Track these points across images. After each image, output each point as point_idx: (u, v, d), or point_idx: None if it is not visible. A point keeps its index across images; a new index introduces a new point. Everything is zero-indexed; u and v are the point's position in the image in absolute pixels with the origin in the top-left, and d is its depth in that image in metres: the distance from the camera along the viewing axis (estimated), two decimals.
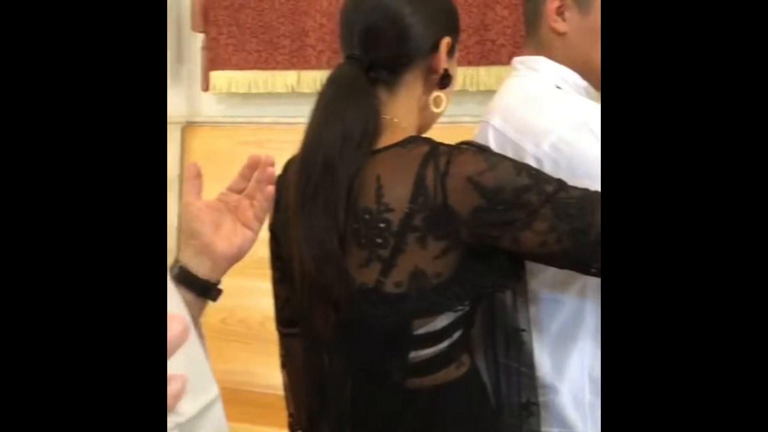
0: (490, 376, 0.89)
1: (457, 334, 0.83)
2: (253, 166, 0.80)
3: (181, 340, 0.30)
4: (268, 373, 1.87)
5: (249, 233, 0.78)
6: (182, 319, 0.30)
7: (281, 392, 1.03)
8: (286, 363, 0.99)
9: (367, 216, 0.80)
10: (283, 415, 1.03)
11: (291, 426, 1.00)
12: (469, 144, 0.82)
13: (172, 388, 0.31)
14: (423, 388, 0.83)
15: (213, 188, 0.80)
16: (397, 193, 0.79)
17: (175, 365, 0.31)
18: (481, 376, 0.89)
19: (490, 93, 1.25)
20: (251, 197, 0.80)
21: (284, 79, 2.01)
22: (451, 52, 0.88)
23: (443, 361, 0.83)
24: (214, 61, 2.06)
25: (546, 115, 0.88)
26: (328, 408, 0.89)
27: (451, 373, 0.84)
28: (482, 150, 0.82)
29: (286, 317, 0.96)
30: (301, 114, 2.21)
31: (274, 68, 2.01)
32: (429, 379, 0.83)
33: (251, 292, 1.54)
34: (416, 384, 0.83)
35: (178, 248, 2.05)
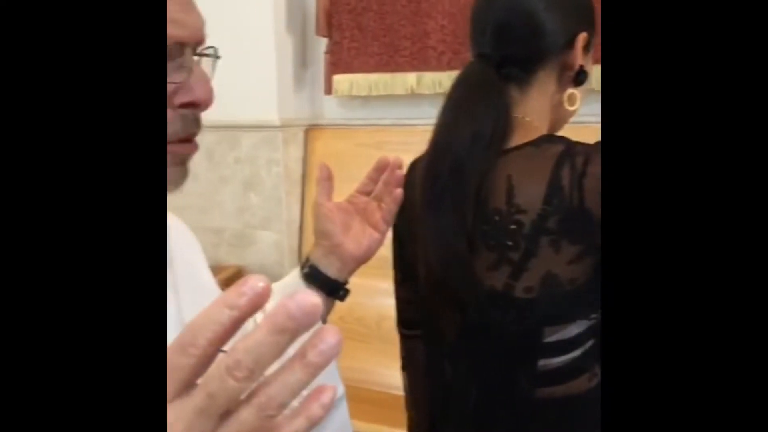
0: None
1: (590, 344, 0.79)
2: (382, 168, 0.81)
3: (336, 351, 0.30)
4: (385, 372, 1.88)
5: (377, 235, 0.79)
6: (337, 330, 0.30)
7: (397, 392, 1.03)
8: (407, 365, 0.98)
9: (497, 217, 0.78)
10: (398, 415, 1.02)
11: (410, 428, 1.00)
12: None
13: (324, 399, 0.31)
14: (552, 399, 0.80)
15: (334, 187, 0.81)
16: (530, 193, 0.77)
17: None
18: None
19: None
20: (379, 199, 0.80)
21: (404, 81, 2.02)
22: (587, 47, 0.84)
23: (575, 371, 0.80)
24: (336, 64, 2.11)
25: None
26: (450, 414, 0.88)
27: (582, 384, 0.80)
28: None
29: (408, 319, 0.95)
30: (420, 116, 2.23)
31: (394, 71, 2.03)
32: (560, 389, 0.80)
33: (369, 291, 1.56)
34: (545, 394, 0.80)
35: (299, 248, 2.12)
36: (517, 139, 0.81)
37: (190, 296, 0.62)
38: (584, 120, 1.44)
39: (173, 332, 0.31)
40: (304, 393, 0.31)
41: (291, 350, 0.30)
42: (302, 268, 0.79)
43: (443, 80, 1.95)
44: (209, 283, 0.74)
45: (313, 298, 0.29)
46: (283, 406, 0.30)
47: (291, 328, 0.29)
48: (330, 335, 0.29)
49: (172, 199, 0.70)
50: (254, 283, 0.29)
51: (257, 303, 0.29)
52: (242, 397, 0.30)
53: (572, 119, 0.91)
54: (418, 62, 1.99)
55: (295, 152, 2.19)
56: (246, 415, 0.30)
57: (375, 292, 1.60)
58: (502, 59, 0.83)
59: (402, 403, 1.01)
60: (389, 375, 1.88)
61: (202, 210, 2.20)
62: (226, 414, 0.31)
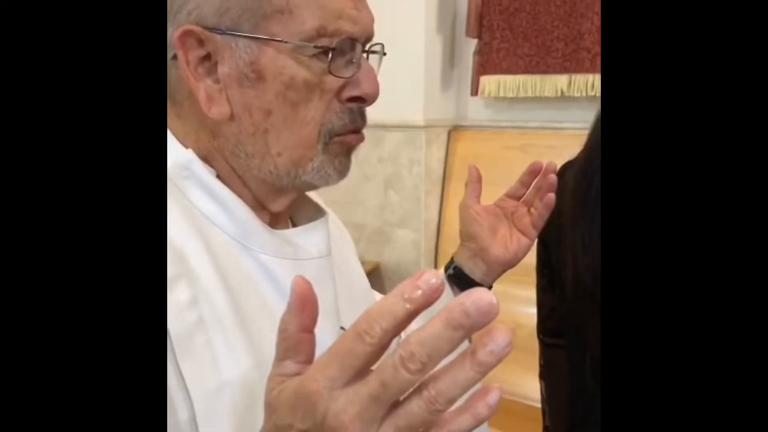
0: None
1: None
2: (534, 172, 0.79)
3: (507, 352, 0.30)
4: (519, 382, 1.84)
5: (525, 240, 0.77)
6: (508, 331, 0.30)
7: (530, 402, 1.00)
8: (546, 374, 0.95)
9: None
10: (529, 425, 1.00)
11: None
12: None
13: (491, 399, 0.31)
14: None
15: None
16: None
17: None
18: None
19: None
20: (529, 204, 0.79)
21: (555, 82, 1.97)
22: None
23: None
24: (485, 65, 2.09)
25: None
26: (591, 427, 0.84)
27: None
28: None
29: (552, 327, 0.92)
30: (568, 119, 2.16)
31: (544, 72, 1.98)
32: None
33: (506, 298, 1.53)
34: None
35: (436, 248, 2.13)
36: None
37: (344, 285, 0.64)
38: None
39: (330, 320, 0.32)
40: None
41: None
42: (446, 269, 0.79)
43: (596, 82, 1.88)
44: (360, 274, 0.76)
45: (490, 297, 0.29)
46: (451, 401, 0.31)
47: (466, 325, 0.29)
48: (501, 336, 0.30)
49: (321, 194, 0.73)
50: (429, 278, 0.30)
51: (431, 298, 0.30)
52: (412, 389, 0.31)
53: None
54: (570, 64, 1.93)
55: (437, 152, 2.19)
56: (415, 406, 0.31)
57: (511, 299, 1.57)
58: None
59: (534, 413, 0.99)
60: (523, 385, 1.84)
61: (345, 206, 2.27)
62: (395, 404, 0.31)
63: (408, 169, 2.17)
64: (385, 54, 0.62)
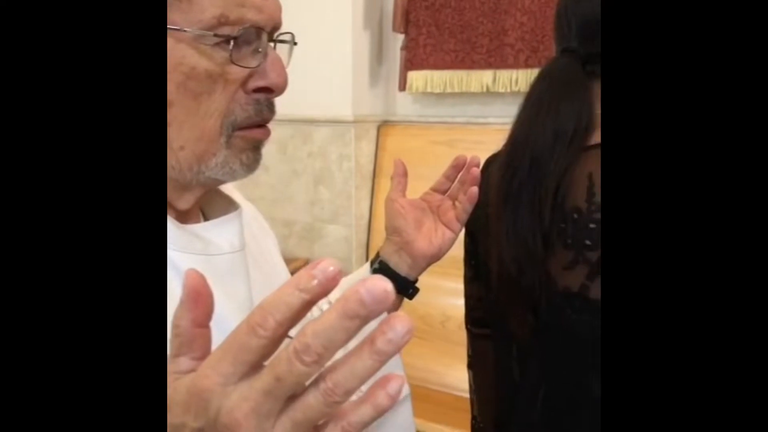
0: None
1: None
2: (458, 167, 0.80)
3: (406, 340, 0.29)
4: (446, 372, 1.87)
5: (449, 233, 0.78)
6: (408, 319, 0.29)
7: (456, 392, 1.01)
8: (474, 364, 0.97)
9: (575, 215, 0.76)
10: (458, 415, 1.01)
11: (474, 429, 0.98)
12: None
13: (391, 388, 0.30)
14: None
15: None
16: None
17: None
18: None
19: None
20: (454, 198, 0.80)
21: (480, 78, 2.00)
22: None
23: None
24: (412, 61, 2.10)
25: None
26: (516, 416, 0.86)
27: None
28: None
29: (478, 317, 0.94)
30: (495, 114, 2.20)
31: (470, 68, 2.01)
32: None
33: (435, 290, 1.55)
34: None
35: (367, 243, 2.13)
36: (599, 137, 0.79)
37: (262, 280, 0.63)
38: None
39: (244, 315, 0.31)
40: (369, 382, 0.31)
41: (352, 343, 0.30)
42: (372, 263, 0.79)
43: (520, 78, 1.92)
44: (282, 269, 0.74)
45: (385, 284, 0.28)
46: (349, 392, 0.30)
47: (362, 314, 0.28)
48: (400, 323, 0.29)
49: (245, 190, 0.71)
50: (325, 266, 0.29)
51: (328, 287, 0.29)
52: (309, 381, 0.30)
53: None
54: (495, 60, 1.96)
55: (367, 148, 2.20)
56: (312, 399, 0.30)
57: (441, 291, 1.59)
58: (587, 55, 0.80)
59: (465, 404, 1.00)
60: (452, 375, 1.86)
61: (274, 202, 2.24)
62: (292, 397, 0.30)
63: (338, 164, 2.16)
64: (295, 44, 0.61)
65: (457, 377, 1.02)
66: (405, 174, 0.80)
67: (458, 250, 0.92)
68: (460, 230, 0.80)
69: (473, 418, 0.98)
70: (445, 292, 1.59)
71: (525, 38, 1.91)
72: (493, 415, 0.93)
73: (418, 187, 0.83)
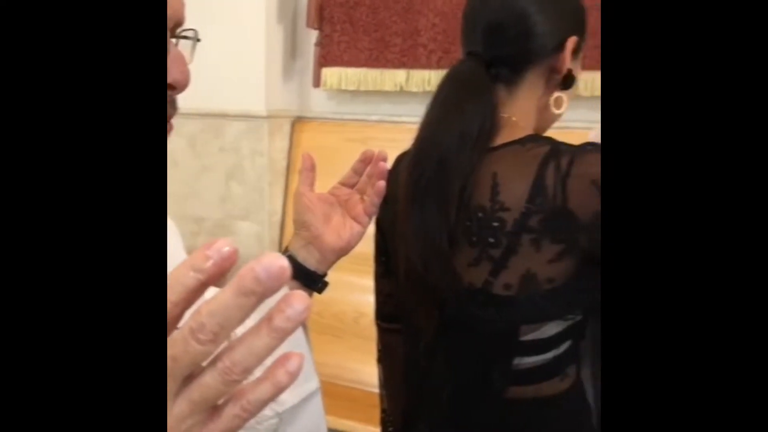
0: (595, 393, 0.85)
1: (565, 345, 0.80)
2: (366, 161, 0.81)
3: (304, 317, 0.29)
4: (362, 369, 1.88)
5: (358, 227, 0.79)
6: (306, 297, 0.29)
7: (369, 388, 1.03)
8: (383, 359, 0.98)
9: (480, 214, 0.78)
10: (370, 412, 1.02)
11: (384, 423, 1.00)
12: (594, 145, 0.78)
13: (290, 366, 0.30)
14: (523, 399, 0.80)
15: (317, 182, 0.81)
16: (514, 192, 0.77)
17: (281, 353, 0.31)
18: (585, 393, 0.85)
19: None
20: (362, 192, 0.80)
21: (394, 77, 2.02)
22: (576, 52, 0.85)
23: (548, 372, 0.80)
24: (326, 57, 2.10)
25: None
26: (424, 409, 0.88)
27: (554, 386, 0.81)
28: None
29: (387, 312, 0.95)
30: (408, 113, 2.23)
31: (384, 66, 2.02)
32: (531, 389, 0.80)
33: (348, 287, 1.56)
34: (517, 393, 0.80)
35: (280, 240, 2.11)
36: (503, 138, 0.82)
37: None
38: (570, 125, 1.45)
39: None
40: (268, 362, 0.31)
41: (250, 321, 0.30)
42: None
43: (432, 78, 1.95)
44: None
45: (280, 261, 0.28)
46: (247, 371, 0.30)
47: (258, 291, 0.28)
48: (297, 301, 0.29)
49: None
50: (220, 246, 0.28)
51: (223, 267, 0.29)
52: (207, 361, 0.30)
53: (559, 124, 0.91)
54: (408, 59, 1.99)
55: (281, 143, 2.18)
56: (209, 378, 0.30)
57: (354, 288, 1.60)
58: (492, 59, 0.83)
59: (377, 400, 1.01)
60: (366, 372, 1.88)
61: (183, 198, 2.18)
62: (189, 377, 0.30)
63: (250, 159, 2.13)
64: (198, 40, 0.60)
65: (369, 373, 1.03)
66: (313, 168, 0.80)
67: (372, 247, 0.93)
68: (369, 224, 0.81)
69: (382, 411, 1.00)
70: (359, 289, 1.60)
71: (437, 39, 1.94)
72: (401, 408, 0.94)
73: (332, 185, 0.83)
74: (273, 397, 0.30)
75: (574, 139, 0.85)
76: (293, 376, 0.30)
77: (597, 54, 1.81)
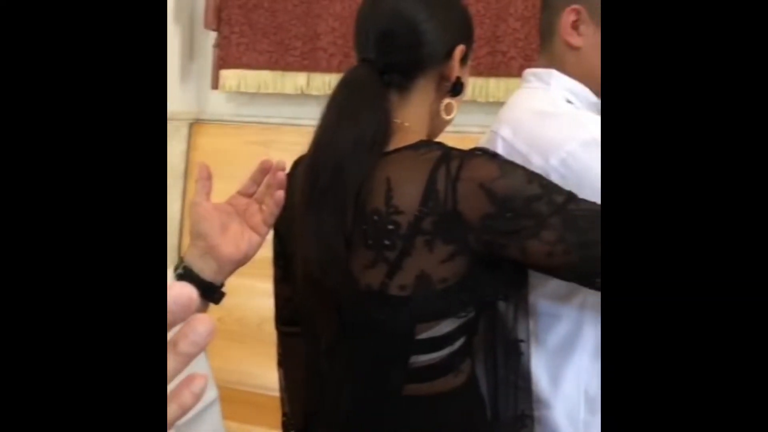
0: (488, 386, 0.89)
1: (459, 342, 0.83)
2: (264, 170, 0.81)
3: (208, 341, 0.30)
4: (262, 374, 1.86)
5: (256, 237, 0.79)
6: (208, 320, 0.31)
7: (273, 393, 1.02)
8: (284, 362, 0.99)
9: (375, 217, 0.80)
10: (275, 416, 1.02)
11: (285, 426, 1.00)
12: (482, 150, 0.82)
13: (195, 387, 0.31)
14: (420, 396, 0.83)
15: (217, 186, 0.80)
16: (408, 195, 0.79)
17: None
18: (479, 387, 0.89)
19: (498, 104, 1.25)
20: (260, 201, 0.80)
21: (294, 80, 2.02)
22: (464, 60, 0.89)
23: (443, 369, 0.83)
24: (225, 59, 2.07)
25: (555, 129, 0.88)
26: (325, 410, 0.89)
27: (449, 382, 0.84)
28: (495, 156, 0.82)
29: (287, 316, 0.95)
30: (309, 116, 2.22)
31: (284, 69, 2.02)
32: (426, 386, 0.83)
33: (250, 293, 1.54)
34: (413, 391, 0.83)
35: (179, 245, 2.05)
36: (397, 143, 0.84)
37: None
38: (468, 130, 1.50)
39: None
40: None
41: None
42: (176, 268, 0.78)
43: (333, 82, 1.95)
44: None
45: (189, 291, 0.30)
46: None
47: (169, 320, 0.29)
48: (201, 324, 0.30)
49: None
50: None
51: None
52: None
53: (456, 129, 0.95)
54: (309, 62, 1.99)
55: (178, 147, 2.12)
56: None
57: (256, 293, 1.58)
58: (384, 66, 0.85)
59: (277, 403, 1.01)
60: (269, 377, 1.85)
61: None
62: None
63: None
64: None
65: (273, 378, 1.03)
66: (209, 178, 0.79)
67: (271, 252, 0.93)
68: (267, 233, 0.81)
69: (284, 414, 1.00)
70: (262, 294, 1.58)
71: (337, 43, 1.96)
72: (302, 410, 0.95)
73: (232, 189, 0.83)
74: (179, 417, 0.31)
75: (471, 143, 0.88)
76: (197, 397, 0.31)
77: (491, 61, 1.89)
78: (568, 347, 0.89)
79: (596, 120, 0.91)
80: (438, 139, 0.90)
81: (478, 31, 1.78)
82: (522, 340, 0.87)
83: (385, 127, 0.83)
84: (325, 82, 1.99)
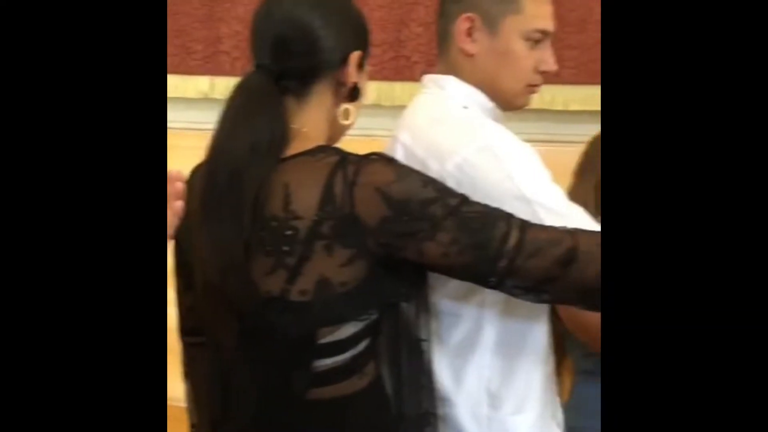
0: (393, 386, 0.91)
1: (362, 344, 0.84)
2: None
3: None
4: (170, 386, 1.81)
5: None
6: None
7: (182, 404, 1.01)
8: (189, 373, 0.97)
9: (274, 223, 0.80)
10: (182, 427, 1.01)
11: None
12: (379, 155, 0.84)
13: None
14: (324, 400, 0.84)
15: None
16: (305, 201, 0.80)
17: None
18: (384, 387, 0.90)
19: (404, 108, 1.27)
20: None
21: (196, 84, 1.98)
22: (360, 65, 0.90)
23: (347, 371, 0.84)
24: None
25: (451, 135, 0.91)
26: (231, 419, 0.88)
27: (353, 384, 0.85)
28: (391, 161, 0.84)
29: (190, 326, 0.94)
30: (211, 120, 2.17)
31: (186, 73, 1.98)
32: (330, 389, 0.84)
33: None
34: (318, 395, 0.83)
35: None
36: (294, 149, 0.84)
37: None
38: (374, 134, 1.52)
39: None
40: None
41: None
42: None
43: None
44: None
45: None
46: None
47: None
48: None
49: None
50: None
51: None
52: None
53: (363, 133, 0.96)
54: (212, 66, 1.96)
55: None
56: None
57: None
58: (280, 71, 0.85)
59: (185, 414, 0.99)
60: (176, 388, 1.81)
61: None
62: None
63: None
64: None
65: (181, 389, 1.01)
66: None
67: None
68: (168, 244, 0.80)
69: (192, 426, 0.98)
70: (169, 305, 1.55)
71: (241, 47, 1.93)
72: (209, 420, 0.94)
73: None
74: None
75: (378, 147, 0.90)
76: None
77: (396, 65, 1.91)
78: (469, 345, 0.92)
79: (491, 125, 0.94)
80: (345, 143, 0.91)
81: (382, 36, 1.82)
82: (424, 340, 0.90)
83: (281, 133, 0.83)
84: (229, 87, 1.94)
